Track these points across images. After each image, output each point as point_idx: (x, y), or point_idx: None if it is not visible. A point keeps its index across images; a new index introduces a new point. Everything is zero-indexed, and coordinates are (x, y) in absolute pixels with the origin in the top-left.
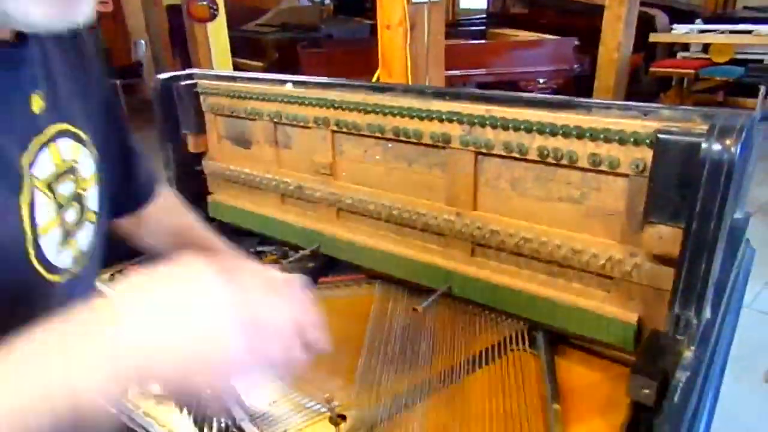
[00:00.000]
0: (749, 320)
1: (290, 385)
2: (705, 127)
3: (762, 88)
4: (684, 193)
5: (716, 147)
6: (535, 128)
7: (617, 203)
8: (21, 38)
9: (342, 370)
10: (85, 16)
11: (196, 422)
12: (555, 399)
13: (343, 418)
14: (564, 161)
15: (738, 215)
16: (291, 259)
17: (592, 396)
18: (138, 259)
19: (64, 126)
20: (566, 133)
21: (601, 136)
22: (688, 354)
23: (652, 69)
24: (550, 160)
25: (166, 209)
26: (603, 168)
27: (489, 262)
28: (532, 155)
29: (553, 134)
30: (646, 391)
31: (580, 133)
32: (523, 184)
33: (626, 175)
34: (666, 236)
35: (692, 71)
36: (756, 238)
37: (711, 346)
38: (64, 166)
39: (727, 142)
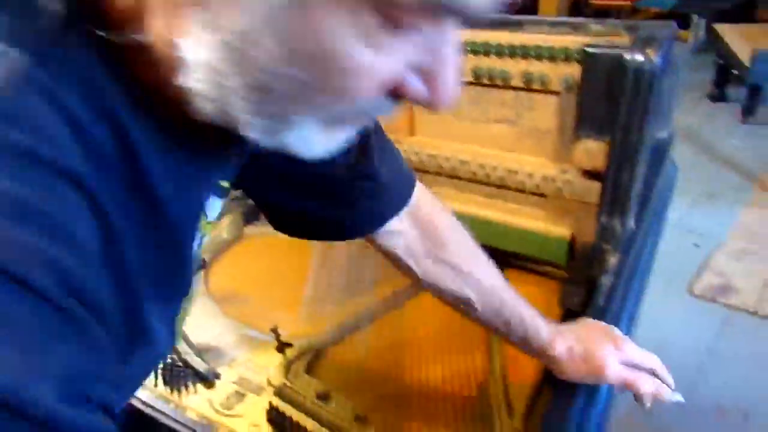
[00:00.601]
0: (675, 238)
1: (236, 318)
2: (629, 40)
3: (694, 18)
4: (610, 106)
5: (638, 57)
6: (469, 48)
7: (549, 121)
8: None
9: (287, 302)
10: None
11: None
12: None
13: (289, 345)
14: (498, 81)
15: (663, 135)
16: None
17: None
18: None
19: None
20: (499, 52)
21: (533, 53)
22: (613, 260)
23: (590, 1)
24: (484, 80)
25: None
26: (535, 86)
27: (429, 187)
28: (467, 77)
29: (487, 54)
30: (576, 298)
31: (513, 52)
32: (459, 107)
33: (557, 93)
34: (594, 151)
35: (629, 3)
36: (683, 161)
37: (634, 254)
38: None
39: (649, 52)
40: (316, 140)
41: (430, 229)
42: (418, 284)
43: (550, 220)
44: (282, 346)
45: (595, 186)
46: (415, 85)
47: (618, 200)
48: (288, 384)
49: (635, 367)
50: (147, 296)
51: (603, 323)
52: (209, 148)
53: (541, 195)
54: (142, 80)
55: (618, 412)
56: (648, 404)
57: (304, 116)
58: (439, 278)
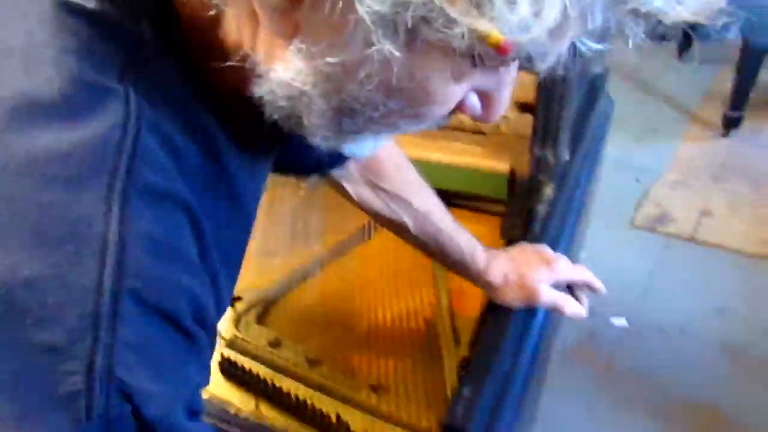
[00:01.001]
0: (618, 175)
1: None
2: None
3: None
4: None
5: None
6: None
7: None
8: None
9: None
10: None
11: None
12: None
13: (239, 299)
14: None
15: (597, 70)
16: None
17: None
18: None
19: None
20: None
21: None
22: (548, 191)
23: None
24: None
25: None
26: None
27: None
28: None
29: None
30: (516, 230)
31: None
32: None
33: None
34: (526, 83)
35: None
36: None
37: (570, 184)
38: None
39: None
40: (369, 146)
41: (370, 158)
42: (354, 204)
43: (490, 157)
44: (232, 300)
45: (530, 119)
46: (473, 103)
47: (549, 132)
48: (239, 335)
49: (571, 284)
50: (224, 283)
51: (537, 246)
52: (269, 141)
53: (480, 132)
54: (220, 90)
55: (568, 340)
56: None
57: (376, 132)
58: (374, 203)
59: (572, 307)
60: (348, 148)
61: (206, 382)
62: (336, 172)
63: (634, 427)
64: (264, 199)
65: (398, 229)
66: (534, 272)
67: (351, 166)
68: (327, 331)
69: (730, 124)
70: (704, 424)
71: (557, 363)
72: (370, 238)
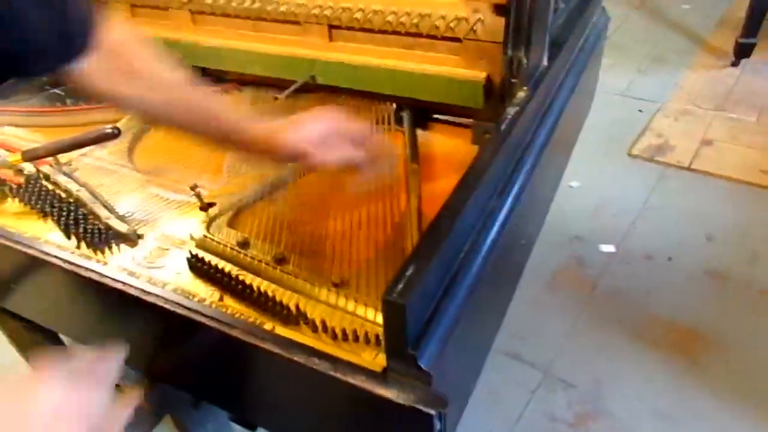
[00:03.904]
0: (621, 105)
1: (158, 186)
2: None
3: None
4: None
5: None
6: None
7: None
8: None
9: (211, 168)
10: None
11: (63, 228)
12: (414, 160)
13: (212, 205)
14: None
15: None
16: None
17: (450, 157)
18: None
19: None
20: None
21: None
22: (521, 94)
23: None
24: None
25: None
26: None
27: (347, 44)
28: None
29: None
30: (488, 135)
31: None
32: None
33: None
34: None
35: None
36: (635, 29)
37: (546, 90)
38: None
39: None
40: None
41: (111, 47)
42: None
43: (466, 65)
44: (205, 206)
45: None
46: None
47: (521, 29)
48: (209, 236)
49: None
50: None
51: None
52: None
53: (456, 39)
54: None
55: (555, 264)
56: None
57: None
58: (130, 96)
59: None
60: None
61: None
62: (74, 69)
63: (616, 345)
64: (242, 109)
65: (162, 117)
66: (301, 130)
67: (93, 60)
68: (296, 234)
69: (742, 52)
70: (684, 343)
71: (543, 285)
72: None
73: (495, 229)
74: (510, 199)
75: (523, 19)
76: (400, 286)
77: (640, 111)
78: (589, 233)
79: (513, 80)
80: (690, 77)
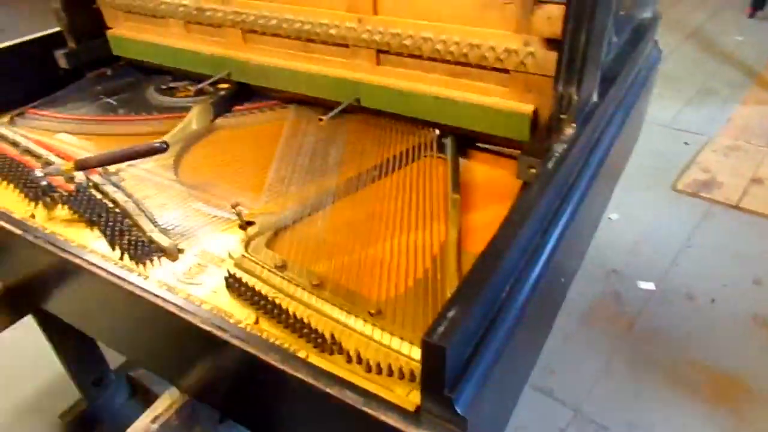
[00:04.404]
0: (667, 136)
1: (201, 201)
2: None
3: None
4: None
5: None
6: None
7: None
8: None
9: (252, 185)
10: None
11: (108, 239)
12: (455, 190)
13: (252, 223)
14: None
15: (645, 14)
16: (199, 86)
17: (493, 188)
18: (38, 103)
19: None
20: None
21: None
22: (569, 131)
23: None
24: None
25: None
26: None
27: (394, 69)
28: None
29: None
30: (533, 170)
31: None
32: None
33: None
34: (555, 16)
35: None
36: (684, 60)
37: (595, 127)
38: None
39: None
40: None
41: None
42: None
43: (514, 96)
44: (244, 224)
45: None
46: None
47: (573, 65)
48: (247, 256)
49: None
50: None
51: None
52: None
53: (505, 71)
54: None
55: (591, 298)
56: None
57: None
58: None
59: None
60: None
61: None
62: None
63: (652, 389)
64: (286, 131)
65: None
66: None
67: None
68: (334, 258)
69: None
70: (726, 393)
71: (578, 318)
72: (387, 174)
73: (537, 269)
74: (553, 239)
75: (576, 55)
76: (442, 327)
77: (686, 144)
78: (628, 268)
79: (562, 116)
80: (741, 111)
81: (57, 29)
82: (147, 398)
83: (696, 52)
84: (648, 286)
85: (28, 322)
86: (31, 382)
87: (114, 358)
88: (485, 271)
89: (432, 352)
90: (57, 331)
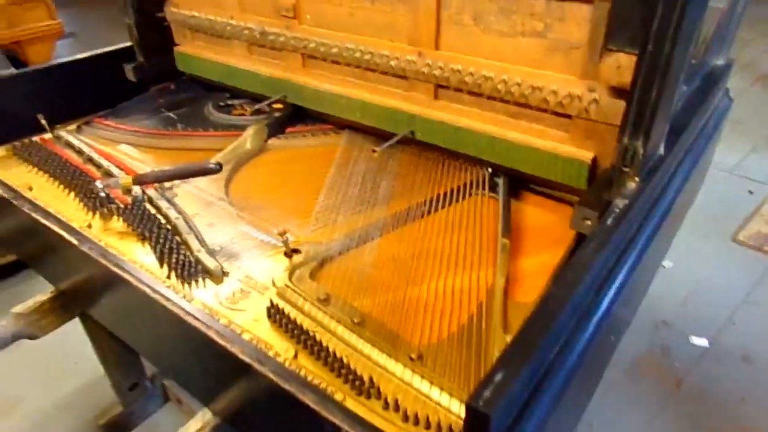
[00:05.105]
0: (729, 184)
1: (251, 223)
2: None
3: None
4: (644, 14)
5: None
6: None
7: (580, 33)
8: None
9: (300, 211)
10: None
11: (158, 256)
12: (505, 234)
13: (297, 251)
14: None
15: (718, 61)
16: (257, 106)
17: (543, 234)
18: (104, 113)
19: None
20: None
21: None
22: (632, 185)
23: None
24: None
25: None
26: None
27: (451, 104)
28: None
29: None
30: (588, 222)
31: None
32: (487, 18)
33: (590, 1)
34: (624, 65)
35: None
36: (752, 104)
37: (659, 183)
38: None
39: None
40: None
41: None
42: None
43: (573, 143)
44: (290, 252)
45: (623, 106)
46: None
47: (642, 119)
48: (291, 286)
49: None
50: None
51: None
52: None
53: (566, 115)
54: None
55: (640, 350)
56: None
57: None
58: None
59: None
60: None
61: None
62: None
63: None
64: (338, 157)
65: None
66: None
67: None
68: (377, 295)
69: None
70: None
71: (624, 372)
72: (436, 210)
73: (588, 330)
74: (608, 299)
75: (645, 108)
76: (488, 392)
77: (750, 192)
78: (679, 321)
79: (625, 169)
80: None
81: (128, 44)
82: (180, 407)
83: (765, 96)
84: (701, 342)
85: (74, 325)
86: (73, 381)
87: (150, 365)
88: (535, 334)
89: (476, 418)
90: (100, 336)
